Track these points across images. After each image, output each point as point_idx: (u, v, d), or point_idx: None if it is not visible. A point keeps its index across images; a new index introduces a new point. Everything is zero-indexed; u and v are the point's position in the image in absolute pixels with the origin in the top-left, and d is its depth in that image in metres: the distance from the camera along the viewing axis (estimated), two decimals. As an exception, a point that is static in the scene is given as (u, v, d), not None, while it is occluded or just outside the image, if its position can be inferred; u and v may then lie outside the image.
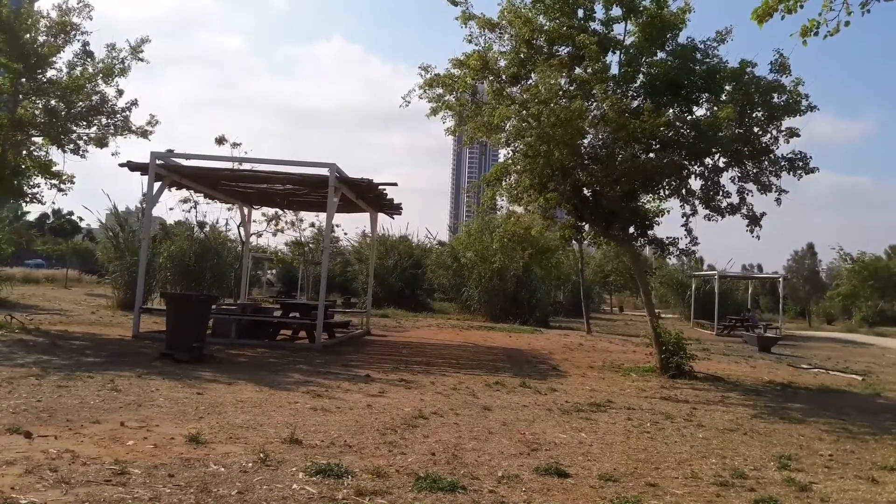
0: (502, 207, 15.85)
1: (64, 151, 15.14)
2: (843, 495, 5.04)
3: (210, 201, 18.61)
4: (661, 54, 11.77)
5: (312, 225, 26.99)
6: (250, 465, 4.85)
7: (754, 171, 11.82)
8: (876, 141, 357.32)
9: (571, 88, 11.61)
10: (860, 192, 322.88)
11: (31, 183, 15.60)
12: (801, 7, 5.94)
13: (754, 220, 12.00)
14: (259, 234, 24.14)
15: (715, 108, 11.15)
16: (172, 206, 30.60)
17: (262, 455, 5.04)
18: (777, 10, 5.96)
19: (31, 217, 50.27)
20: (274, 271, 45.09)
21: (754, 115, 11.46)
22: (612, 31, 12.04)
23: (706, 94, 11.71)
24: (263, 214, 22.65)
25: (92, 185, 30.44)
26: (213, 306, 12.96)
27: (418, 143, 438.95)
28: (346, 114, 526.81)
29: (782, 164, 11.63)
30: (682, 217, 12.13)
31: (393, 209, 18.01)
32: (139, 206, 22.65)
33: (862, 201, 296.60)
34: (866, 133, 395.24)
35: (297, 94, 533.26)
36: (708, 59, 11.67)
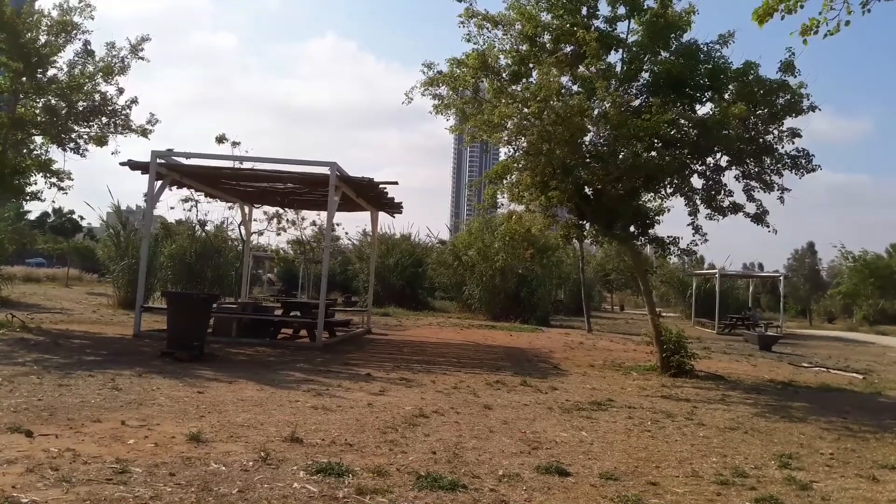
0: (503, 206, 15.84)
1: (64, 150, 15.15)
2: (843, 494, 5.03)
3: (211, 200, 18.62)
4: (664, 53, 11.76)
5: (313, 224, 27.03)
6: (251, 463, 4.85)
7: (755, 169, 11.81)
8: (874, 139, 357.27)
9: (574, 88, 11.63)
10: (859, 190, 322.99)
11: (31, 182, 15.60)
12: (802, 7, 5.92)
13: (758, 219, 11.99)
14: (260, 233, 24.19)
15: (722, 105, 11.10)
16: (173, 205, 30.67)
17: (262, 454, 5.04)
18: (777, 10, 5.93)
19: (32, 216, 50.45)
20: (275, 270, 45.14)
21: (757, 112, 11.46)
22: (616, 29, 12.05)
23: (709, 93, 11.71)
24: (264, 213, 22.71)
25: (93, 184, 30.50)
26: (214, 305, 12.97)
27: (414, 141, 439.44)
28: (341, 112, 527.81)
29: (786, 161, 11.63)
30: (689, 216, 12.13)
31: (393, 208, 18.01)
32: (140, 205, 22.68)
33: (861, 200, 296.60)
34: (864, 131, 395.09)
35: (291, 92, 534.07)
36: (713, 60, 11.66)
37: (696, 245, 12.57)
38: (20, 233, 24.82)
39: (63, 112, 14.81)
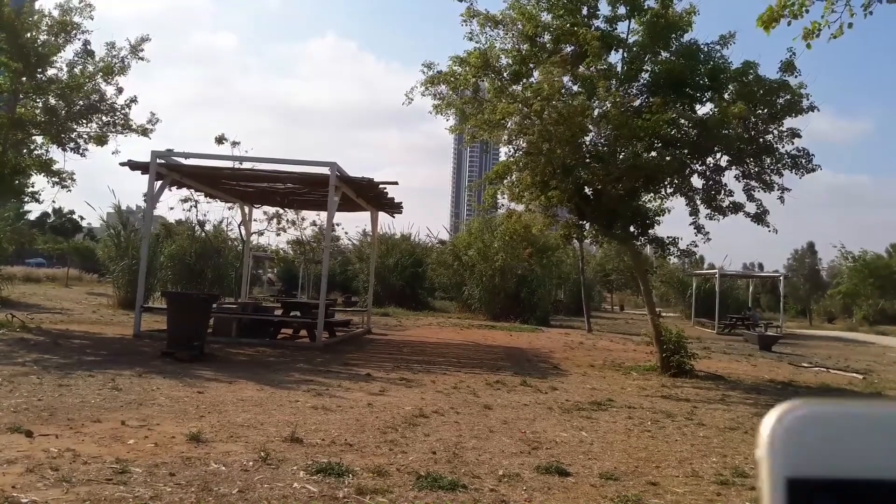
0: (503, 206, 15.84)
1: (64, 150, 15.16)
2: (844, 494, 5.02)
3: (211, 200, 18.61)
4: (664, 53, 11.77)
5: (313, 224, 27.02)
6: (251, 463, 4.85)
7: (755, 169, 11.82)
8: (875, 140, 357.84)
9: (575, 88, 11.62)
10: (859, 190, 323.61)
11: (31, 182, 15.61)
12: (807, 12, 5.92)
13: (758, 219, 11.99)
14: (260, 233, 24.17)
15: (722, 105, 11.11)
16: (173, 205, 30.64)
17: (262, 454, 5.04)
18: (783, 16, 5.94)
19: (32, 216, 50.39)
20: (275, 270, 45.12)
21: (757, 112, 11.46)
22: (616, 28, 12.06)
23: (709, 93, 11.72)
24: (264, 213, 22.70)
25: (94, 184, 30.38)
26: (214, 305, 12.96)
27: (414, 141, 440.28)
28: (341, 112, 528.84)
29: (786, 160, 11.63)
30: (690, 216, 12.14)
31: (393, 208, 18.00)
32: (140, 205, 22.67)
33: (861, 200, 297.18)
34: (865, 132, 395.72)
35: (291, 92, 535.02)
36: (713, 60, 11.67)
37: (696, 246, 12.62)
38: (20, 233, 24.81)
39: (63, 112, 14.83)
